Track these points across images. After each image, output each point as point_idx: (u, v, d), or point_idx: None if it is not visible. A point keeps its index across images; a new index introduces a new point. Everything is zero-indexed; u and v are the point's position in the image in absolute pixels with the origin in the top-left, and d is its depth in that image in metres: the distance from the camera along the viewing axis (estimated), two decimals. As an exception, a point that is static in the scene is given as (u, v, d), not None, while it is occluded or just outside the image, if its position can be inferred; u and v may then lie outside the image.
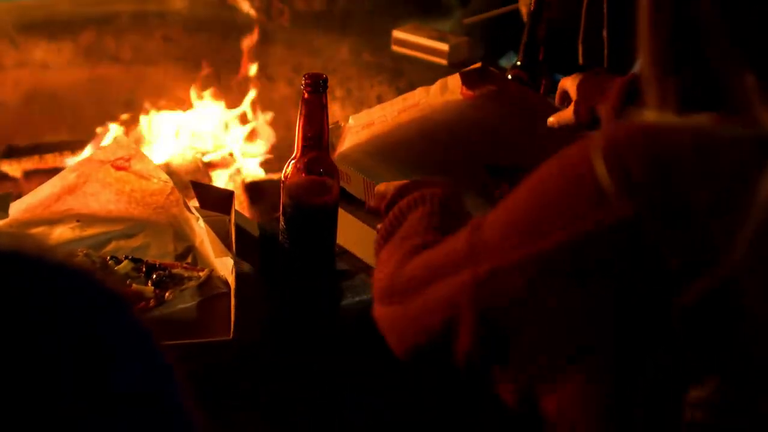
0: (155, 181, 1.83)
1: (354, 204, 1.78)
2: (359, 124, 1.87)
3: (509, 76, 2.16)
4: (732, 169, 0.79)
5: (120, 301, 0.71)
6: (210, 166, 2.55)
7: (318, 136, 1.62)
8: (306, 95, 1.59)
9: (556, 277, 0.87)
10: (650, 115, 0.85)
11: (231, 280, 1.61)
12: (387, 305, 1.13)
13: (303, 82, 1.59)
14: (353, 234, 1.78)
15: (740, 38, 0.80)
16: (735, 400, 0.79)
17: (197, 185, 1.89)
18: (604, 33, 2.28)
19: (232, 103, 2.90)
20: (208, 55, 3.08)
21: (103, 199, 1.81)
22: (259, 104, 2.88)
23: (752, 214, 0.76)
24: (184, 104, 2.89)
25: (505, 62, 3.55)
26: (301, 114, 1.60)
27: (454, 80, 1.94)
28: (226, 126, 2.80)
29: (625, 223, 0.80)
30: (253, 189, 2.36)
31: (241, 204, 2.34)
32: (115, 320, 0.69)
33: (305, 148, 1.62)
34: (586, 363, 0.89)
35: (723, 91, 0.81)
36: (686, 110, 0.83)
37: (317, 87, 1.59)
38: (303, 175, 1.63)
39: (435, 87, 1.94)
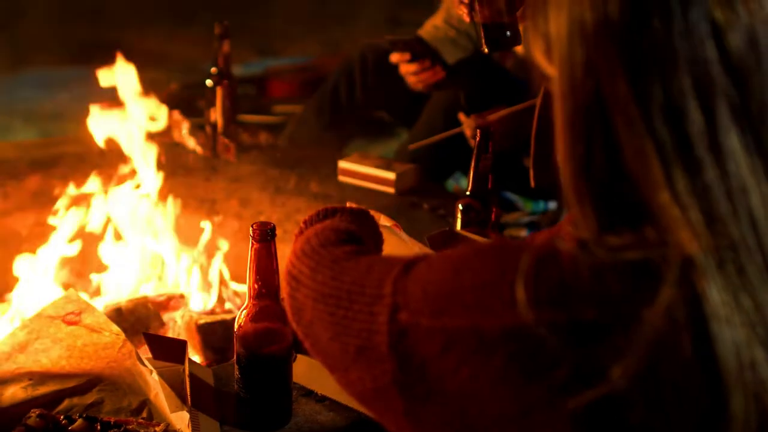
0: (107, 334, 1.81)
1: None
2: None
3: (460, 206, 2.18)
4: (623, 295, 0.85)
5: None
6: (161, 308, 2.53)
7: (269, 285, 1.62)
8: (255, 245, 1.60)
9: (461, 354, 0.93)
10: (566, 241, 0.91)
11: (187, 434, 1.60)
12: (293, 290, 1.21)
13: (251, 231, 1.60)
14: (328, 382, 1.80)
15: (658, 155, 0.85)
16: None
17: (149, 336, 1.88)
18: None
19: (182, 240, 2.89)
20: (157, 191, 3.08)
21: (55, 355, 1.79)
22: (209, 240, 2.88)
23: (636, 339, 0.83)
24: (132, 245, 2.88)
25: (451, 183, 3.61)
26: (250, 263, 1.61)
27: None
28: (175, 265, 2.79)
29: (526, 330, 0.87)
30: (206, 330, 2.34)
31: (194, 346, 2.32)
32: None
33: (256, 297, 1.63)
34: None
35: (641, 209, 0.86)
36: (605, 229, 0.89)
37: (265, 236, 1.59)
38: (255, 324, 1.64)
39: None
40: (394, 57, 3.37)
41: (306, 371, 1.80)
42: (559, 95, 0.93)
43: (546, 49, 0.95)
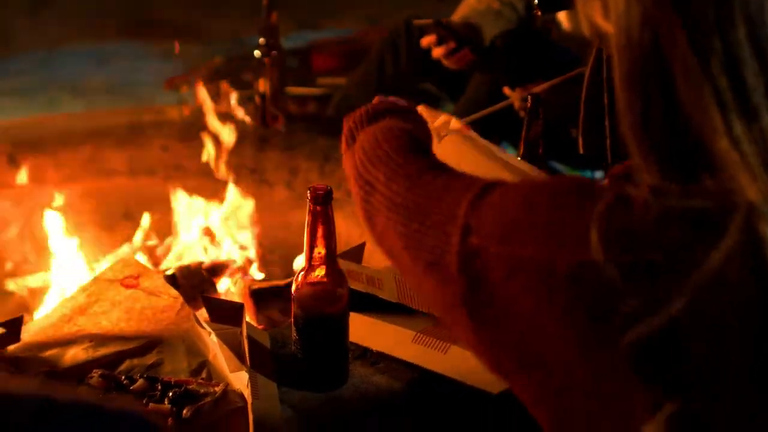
0: (165, 297, 1.84)
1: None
2: None
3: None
4: (690, 240, 0.87)
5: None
6: (213, 273, 2.56)
7: (325, 247, 1.64)
8: (312, 207, 1.62)
9: (526, 283, 0.95)
10: (639, 187, 0.92)
11: (247, 393, 1.62)
12: (367, 195, 1.24)
13: (308, 194, 1.61)
14: (382, 338, 1.83)
15: (715, 101, 0.87)
16: None
17: (207, 299, 1.90)
18: (606, 122, 2.31)
19: (232, 209, 2.92)
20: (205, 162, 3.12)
21: (114, 317, 1.82)
22: (259, 209, 2.90)
23: (701, 280, 0.85)
24: (184, 213, 2.91)
25: (498, 152, 3.60)
26: (308, 226, 1.63)
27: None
28: (227, 233, 2.82)
29: (594, 268, 0.89)
30: (259, 295, 2.37)
31: (247, 311, 2.35)
32: None
33: (313, 259, 1.65)
34: (536, 376, 0.97)
35: (699, 159, 0.89)
36: (669, 176, 0.91)
37: (322, 199, 1.61)
38: (312, 286, 1.66)
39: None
40: (424, 41, 3.39)
41: (360, 329, 1.82)
42: (617, 51, 0.95)
43: (603, 7, 0.97)
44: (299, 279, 1.67)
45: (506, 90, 3.15)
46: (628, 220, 0.90)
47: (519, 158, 2.19)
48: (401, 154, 1.26)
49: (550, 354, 0.95)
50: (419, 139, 1.36)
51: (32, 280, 2.74)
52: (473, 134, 1.87)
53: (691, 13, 0.88)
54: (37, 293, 2.71)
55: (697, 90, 0.88)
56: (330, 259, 1.65)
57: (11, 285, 2.74)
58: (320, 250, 1.64)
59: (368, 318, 1.84)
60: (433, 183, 1.16)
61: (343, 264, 1.80)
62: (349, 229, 2.68)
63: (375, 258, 1.89)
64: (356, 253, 1.90)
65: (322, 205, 1.61)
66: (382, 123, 1.39)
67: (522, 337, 0.97)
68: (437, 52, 3.36)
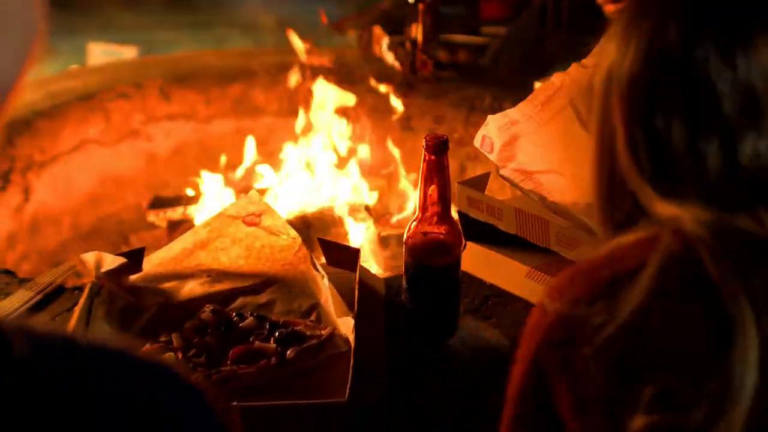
0: (284, 237, 1.85)
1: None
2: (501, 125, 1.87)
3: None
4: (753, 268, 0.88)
5: (204, 403, 0.73)
6: (346, 217, 2.57)
7: (439, 197, 1.61)
8: (427, 157, 1.58)
9: None
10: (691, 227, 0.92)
11: (352, 339, 1.61)
12: None
13: (424, 143, 1.58)
14: (496, 271, 1.80)
15: None
16: None
17: (324, 242, 1.90)
18: None
19: (374, 154, 2.92)
20: (353, 106, 3.12)
21: (234, 254, 1.84)
22: (401, 155, 2.89)
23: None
24: (327, 154, 2.92)
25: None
26: (422, 175, 1.60)
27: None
28: (365, 178, 2.82)
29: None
30: (387, 242, 2.37)
31: (376, 256, 2.35)
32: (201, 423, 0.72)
33: (427, 209, 1.62)
34: None
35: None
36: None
37: (438, 149, 1.58)
38: (423, 236, 1.63)
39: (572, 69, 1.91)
40: None
41: (475, 260, 1.79)
42: None
43: None
44: (411, 228, 1.64)
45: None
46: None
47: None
48: None
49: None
50: None
51: (172, 213, 2.80)
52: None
53: None
54: (176, 226, 2.77)
55: None
56: (443, 209, 1.62)
57: (152, 217, 2.81)
58: (433, 199, 1.61)
59: (484, 249, 1.81)
60: None
61: (464, 190, 1.77)
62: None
63: (499, 190, 1.87)
64: (480, 182, 1.86)
65: (437, 155, 1.58)
66: None
67: None
68: None
